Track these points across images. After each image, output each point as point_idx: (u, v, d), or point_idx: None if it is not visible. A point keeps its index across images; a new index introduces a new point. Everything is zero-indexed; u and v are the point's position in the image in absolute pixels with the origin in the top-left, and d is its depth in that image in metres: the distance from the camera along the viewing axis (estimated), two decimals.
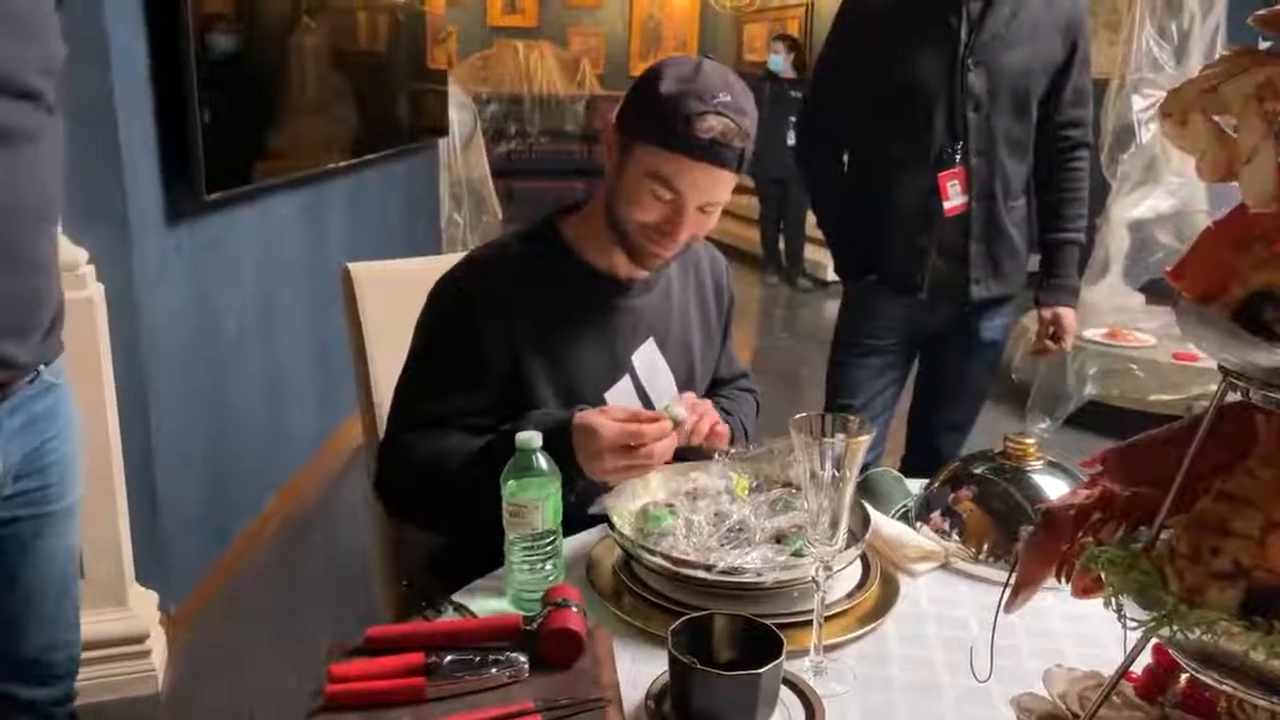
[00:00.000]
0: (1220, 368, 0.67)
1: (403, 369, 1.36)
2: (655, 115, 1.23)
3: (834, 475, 0.95)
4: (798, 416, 0.96)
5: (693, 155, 1.22)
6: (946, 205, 2.05)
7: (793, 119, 6.40)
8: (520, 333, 1.30)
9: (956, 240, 2.09)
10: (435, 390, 1.32)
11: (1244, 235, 0.62)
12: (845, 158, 2.26)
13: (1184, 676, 0.78)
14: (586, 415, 1.21)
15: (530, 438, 1.09)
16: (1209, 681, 0.66)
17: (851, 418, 0.96)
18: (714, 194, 1.27)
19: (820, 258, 7.33)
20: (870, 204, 2.15)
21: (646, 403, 1.41)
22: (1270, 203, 0.58)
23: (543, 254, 1.36)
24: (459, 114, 5.89)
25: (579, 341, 1.35)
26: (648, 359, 1.42)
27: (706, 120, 1.21)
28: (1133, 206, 4.16)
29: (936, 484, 1.34)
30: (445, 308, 1.34)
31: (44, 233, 1.19)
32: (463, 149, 5.95)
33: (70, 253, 2.02)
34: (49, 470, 1.28)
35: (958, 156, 2.04)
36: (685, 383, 1.47)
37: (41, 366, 1.24)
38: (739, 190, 1.33)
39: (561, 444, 1.19)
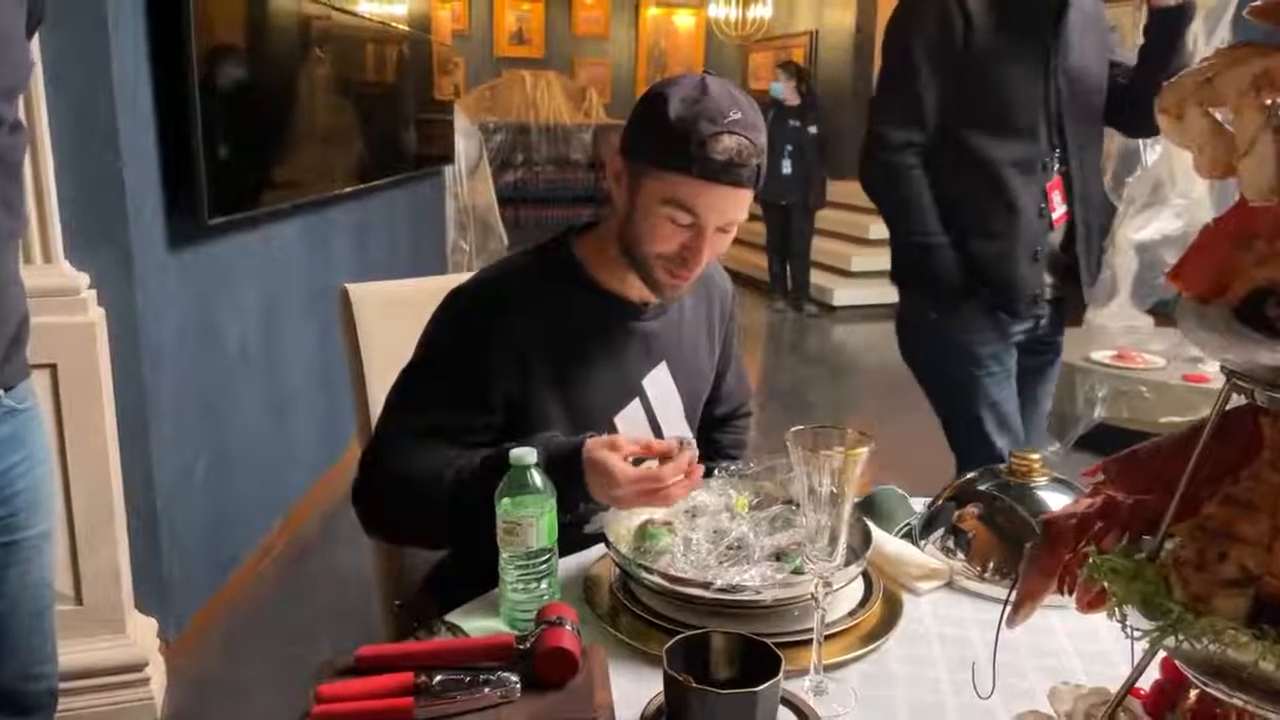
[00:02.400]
0: (1223, 369, 0.65)
1: (400, 377, 1.32)
2: (667, 140, 1.19)
3: (832, 491, 0.93)
4: (794, 430, 0.94)
5: (710, 178, 1.19)
6: (1054, 215, 2.03)
7: (790, 147, 6.44)
8: (530, 353, 1.28)
9: (1054, 250, 2.08)
10: (436, 403, 1.28)
11: (1244, 231, 0.60)
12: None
13: (1193, 692, 0.76)
14: (598, 452, 1.16)
15: (525, 453, 1.08)
16: (1218, 695, 0.63)
17: (849, 430, 0.94)
18: (733, 214, 1.24)
19: (825, 283, 7.34)
20: (976, 221, 2.04)
21: (655, 427, 1.40)
22: (1270, 196, 0.57)
23: (556, 274, 1.34)
24: (465, 142, 5.93)
25: (590, 364, 1.32)
26: (659, 384, 1.40)
27: (721, 141, 1.18)
28: (1140, 229, 4.15)
29: (940, 501, 1.32)
30: (454, 322, 1.31)
31: (3, 250, 1.18)
32: (469, 177, 5.98)
33: (72, 277, 2.03)
34: (15, 499, 1.26)
35: (1056, 165, 2.01)
36: (691, 407, 1.46)
37: (0, 391, 1.22)
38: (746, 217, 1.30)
39: (571, 471, 1.17)
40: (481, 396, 1.27)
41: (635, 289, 1.34)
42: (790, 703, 0.92)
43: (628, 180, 1.27)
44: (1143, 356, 4.06)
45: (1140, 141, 4.02)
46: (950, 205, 2.07)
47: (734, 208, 1.23)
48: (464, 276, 1.41)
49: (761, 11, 10.48)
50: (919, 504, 1.38)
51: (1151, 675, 0.77)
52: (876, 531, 1.19)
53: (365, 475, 1.31)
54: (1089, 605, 0.74)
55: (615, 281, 1.34)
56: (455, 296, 1.33)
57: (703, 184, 1.19)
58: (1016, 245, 2.03)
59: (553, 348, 1.30)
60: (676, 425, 1.42)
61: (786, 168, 6.54)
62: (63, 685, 2.06)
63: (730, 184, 1.20)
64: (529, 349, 1.28)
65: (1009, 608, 0.80)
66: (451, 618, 1.10)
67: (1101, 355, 4.06)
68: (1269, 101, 0.57)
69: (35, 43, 1.88)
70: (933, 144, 2.06)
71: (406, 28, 4.59)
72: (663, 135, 1.20)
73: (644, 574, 1.08)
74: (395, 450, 1.27)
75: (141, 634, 2.22)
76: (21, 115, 1.23)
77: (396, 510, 1.29)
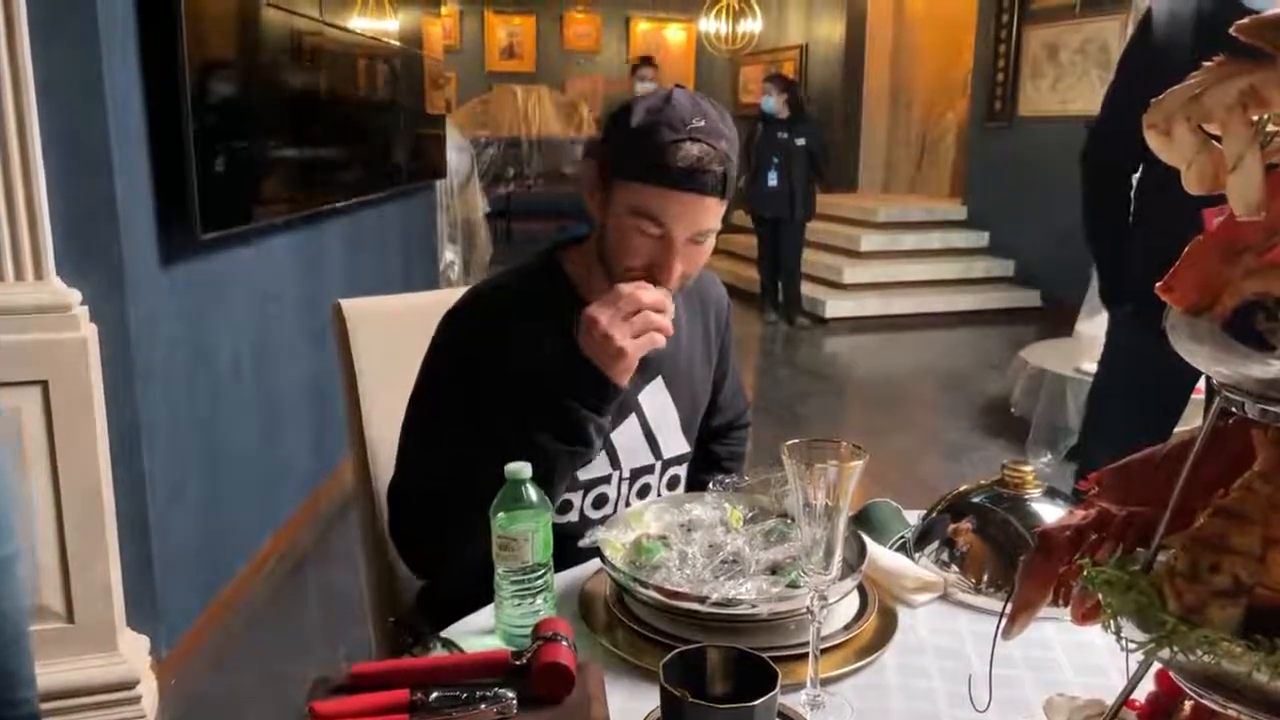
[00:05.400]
0: (1215, 382, 0.66)
1: (409, 411, 1.32)
2: (629, 150, 1.21)
3: (827, 504, 0.93)
4: (789, 443, 0.94)
5: (672, 185, 1.18)
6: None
7: (776, 159, 6.45)
8: (529, 371, 1.27)
9: None
10: (451, 423, 1.27)
11: (1233, 245, 0.61)
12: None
13: (1188, 704, 0.76)
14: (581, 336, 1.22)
15: (520, 468, 1.08)
16: (1213, 706, 0.64)
17: (843, 444, 0.95)
18: (701, 223, 1.23)
19: (817, 295, 7.36)
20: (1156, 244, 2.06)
21: (652, 442, 1.40)
22: (1257, 211, 0.57)
23: (545, 292, 1.34)
24: (457, 156, 5.94)
25: None
26: (655, 398, 1.40)
27: (682, 148, 1.18)
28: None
29: (934, 514, 1.32)
30: (451, 347, 1.31)
31: None
32: (460, 190, 5.99)
33: (64, 293, 2.02)
34: None
35: None
36: (689, 418, 1.45)
37: None
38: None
39: (584, 367, 1.20)
40: (490, 410, 1.27)
41: None
42: (786, 717, 0.92)
43: (599, 194, 1.28)
44: None
45: None
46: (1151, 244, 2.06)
47: (701, 217, 1.22)
48: (456, 291, 1.41)
49: (751, 25, 10.54)
50: (913, 517, 1.38)
51: (1146, 686, 0.77)
52: (871, 544, 1.19)
53: (401, 516, 1.28)
54: (1084, 617, 0.74)
55: None
56: (450, 322, 1.33)
57: (665, 192, 1.19)
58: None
59: (545, 363, 1.29)
60: (673, 439, 1.42)
61: (773, 180, 6.55)
62: (54, 704, 2.05)
63: (693, 191, 1.19)
64: (522, 364, 1.27)
65: (1004, 620, 0.81)
66: (447, 633, 1.10)
67: (1092, 366, 4.06)
68: (1256, 117, 0.58)
69: (27, 58, 1.90)
70: (1132, 163, 2.07)
71: (398, 43, 4.61)
72: (626, 145, 1.21)
73: (640, 588, 1.08)
74: (426, 480, 1.25)
75: (133, 651, 2.20)
76: None
77: (442, 532, 1.25)
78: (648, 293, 1.21)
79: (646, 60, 7.20)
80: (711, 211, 1.23)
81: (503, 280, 1.38)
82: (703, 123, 1.20)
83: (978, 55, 7.95)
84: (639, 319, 1.20)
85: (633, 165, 1.21)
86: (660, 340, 1.23)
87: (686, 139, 1.18)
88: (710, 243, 1.27)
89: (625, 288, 1.21)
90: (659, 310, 1.21)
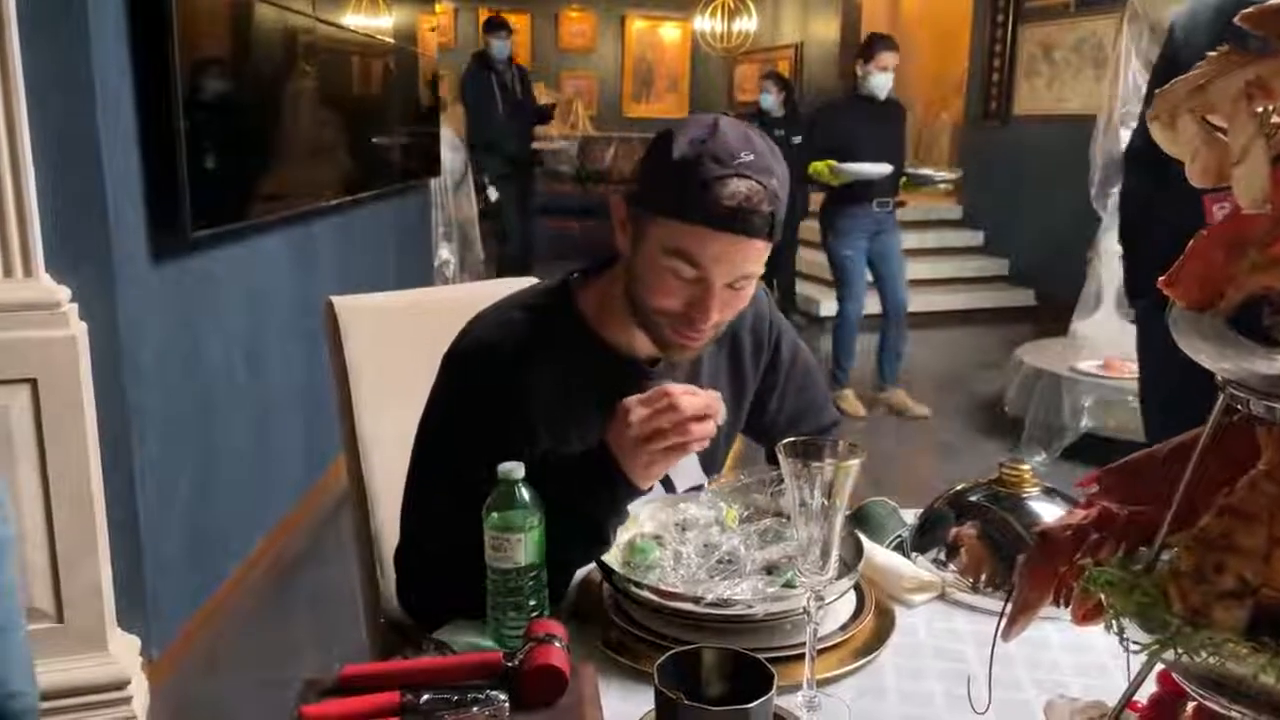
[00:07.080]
0: (1219, 379, 0.65)
1: (413, 466, 1.25)
2: (669, 183, 1.09)
3: (823, 503, 0.92)
4: (785, 441, 0.93)
5: (714, 225, 1.07)
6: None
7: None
8: (536, 416, 1.19)
9: None
10: (460, 476, 1.17)
11: (1238, 239, 0.60)
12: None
13: (1191, 705, 0.75)
14: (609, 425, 1.12)
15: (512, 468, 1.06)
16: (1217, 708, 0.63)
17: (840, 442, 0.94)
18: (743, 267, 1.11)
19: (813, 294, 7.35)
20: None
21: (666, 482, 1.33)
22: (1263, 204, 0.56)
23: (557, 332, 1.22)
24: (451, 155, 5.92)
25: (596, 427, 1.19)
26: None
27: (728, 185, 1.06)
28: None
29: (931, 513, 1.31)
30: (458, 393, 1.22)
31: None
32: (454, 190, 5.97)
33: (53, 290, 2.01)
34: None
35: None
36: (709, 457, 1.35)
37: None
38: None
39: (602, 465, 1.11)
40: (501, 457, 1.16)
41: (642, 344, 1.23)
42: (782, 718, 0.91)
43: (632, 228, 1.16)
44: (1129, 366, 4.07)
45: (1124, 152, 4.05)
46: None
47: (743, 261, 1.11)
48: (450, 289, 1.38)
49: (747, 24, 10.54)
50: (910, 516, 1.37)
51: (1149, 688, 0.76)
52: (868, 544, 1.18)
53: (413, 584, 1.24)
54: (1085, 618, 0.73)
55: (621, 336, 1.24)
56: (454, 364, 1.24)
57: (706, 232, 1.08)
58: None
59: (558, 410, 1.21)
60: (690, 475, 1.36)
61: None
62: (43, 705, 2.02)
63: (738, 233, 1.08)
64: (534, 412, 1.20)
65: (1004, 620, 0.80)
66: (439, 635, 1.09)
67: (1088, 365, 4.07)
68: (1261, 109, 0.57)
69: (16, 54, 1.88)
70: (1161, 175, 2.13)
71: (392, 41, 4.59)
72: (665, 178, 1.10)
73: (634, 589, 1.07)
74: (437, 543, 1.19)
75: (124, 652, 2.18)
76: None
77: (458, 600, 1.15)
78: (693, 399, 1.09)
79: (882, 40, 4.44)
80: (755, 255, 1.12)
81: (507, 318, 1.25)
82: (751, 157, 1.09)
83: (973, 54, 7.95)
84: (677, 430, 1.08)
85: (671, 200, 1.09)
86: (698, 449, 1.13)
87: (734, 175, 1.07)
88: (751, 287, 1.16)
89: (674, 389, 1.09)
90: (704, 417, 1.09)
